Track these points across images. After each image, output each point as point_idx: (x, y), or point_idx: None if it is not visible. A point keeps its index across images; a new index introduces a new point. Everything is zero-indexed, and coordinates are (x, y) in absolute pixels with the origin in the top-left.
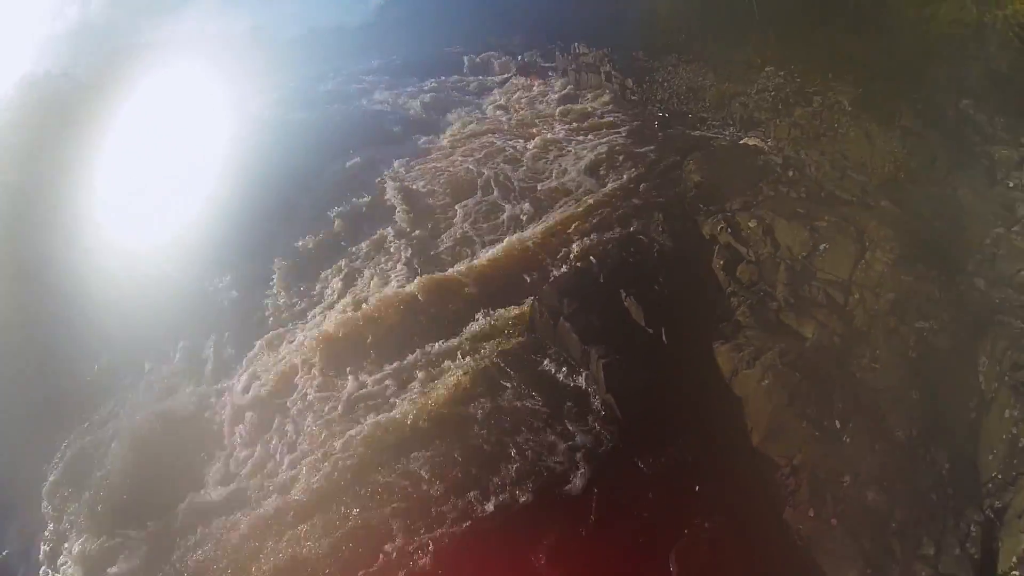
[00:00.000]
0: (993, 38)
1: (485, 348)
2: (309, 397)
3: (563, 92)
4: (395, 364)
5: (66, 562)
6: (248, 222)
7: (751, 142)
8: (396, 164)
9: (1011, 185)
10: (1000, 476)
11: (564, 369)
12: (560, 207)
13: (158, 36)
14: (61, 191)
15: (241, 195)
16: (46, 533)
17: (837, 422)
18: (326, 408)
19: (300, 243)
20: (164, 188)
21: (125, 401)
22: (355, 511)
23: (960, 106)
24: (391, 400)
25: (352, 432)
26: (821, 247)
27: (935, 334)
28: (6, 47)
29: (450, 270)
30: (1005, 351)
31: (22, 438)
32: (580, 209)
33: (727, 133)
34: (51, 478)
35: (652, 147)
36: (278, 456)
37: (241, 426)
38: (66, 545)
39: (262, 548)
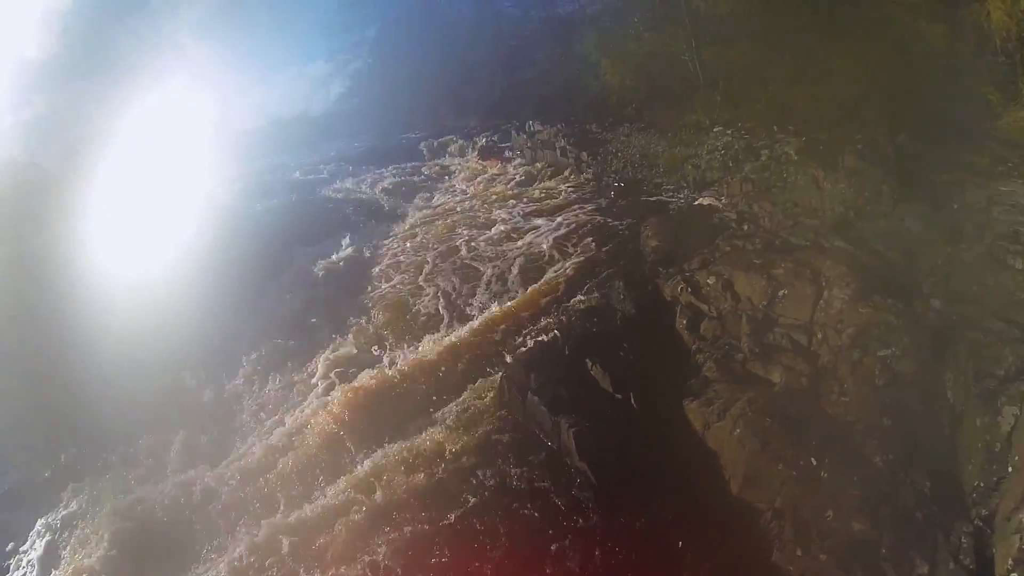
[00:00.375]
0: (919, 73)
1: (457, 429)
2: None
3: (521, 170)
4: (367, 451)
5: None
6: (215, 312)
7: (706, 201)
8: (359, 251)
9: (956, 207)
10: (982, 484)
11: (536, 442)
12: (523, 284)
13: (123, 125)
14: (23, 280)
15: (208, 284)
16: None
17: (813, 459)
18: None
19: (267, 334)
20: (132, 277)
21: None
22: None
23: (898, 141)
24: (369, 480)
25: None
26: (780, 294)
27: (899, 360)
28: None
29: (418, 353)
30: (967, 363)
31: None
32: (542, 285)
33: (682, 195)
34: None
35: (610, 217)
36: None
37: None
38: None
39: None
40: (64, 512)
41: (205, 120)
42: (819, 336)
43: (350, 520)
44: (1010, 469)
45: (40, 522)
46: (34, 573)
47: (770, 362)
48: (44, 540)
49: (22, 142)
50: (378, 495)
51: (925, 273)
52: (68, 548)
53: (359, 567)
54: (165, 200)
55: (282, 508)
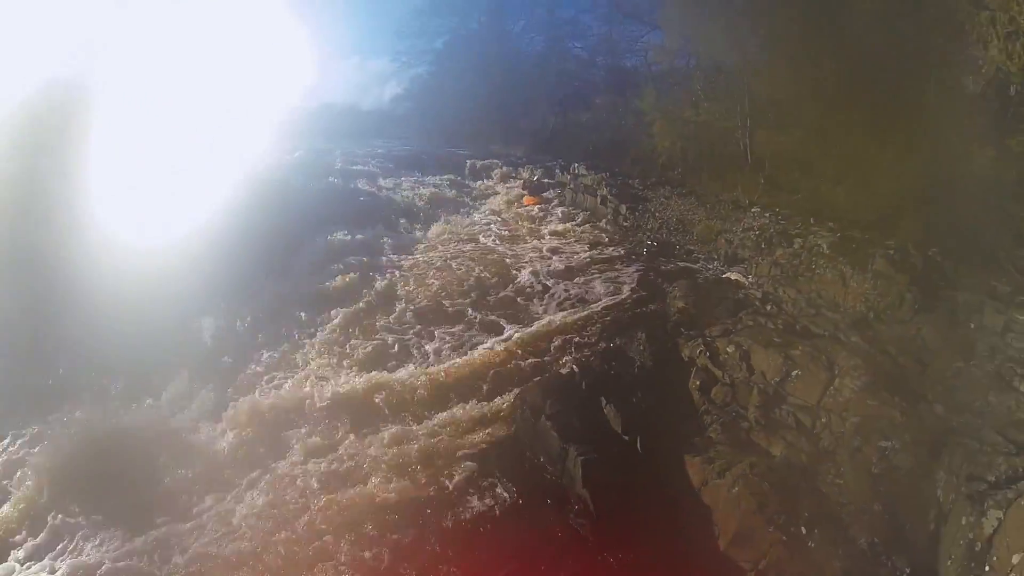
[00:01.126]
0: (961, 194)
1: (464, 438)
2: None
3: (559, 209)
4: (373, 442)
5: None
6: (238, 271)
7: (733, 276)
8: (390, 251)
9: (972, 327)
10: None
11: (542, 464)
12: (547, 318)
13: (179, 72)
14: (61, 196)
15: (236, 245)
16: None
17: (803, 529)
18: (297, 479)
19: (285, 304)
20: (161, 221)
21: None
22: None
23: (928, 254)
24: (366, 473)
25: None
26: (793, 373)
27: (897, 453)
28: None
29: (434, 365)
30: (961, 465)
31: None
32: (566, 321)
33: (711, 266)
34: None
35: (640, 271)
36: (244, 510)
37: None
38: None
39: None
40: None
41: (262, 87)
42: (824, 420)
43: (335, 512)
44: (987, 568)
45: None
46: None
47: (774, 435)
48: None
49: (72, 63)
50: (370, 484)
51: (933, 381)
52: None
53: (339, 563)
54: (209, 155)
55: (263, 482)
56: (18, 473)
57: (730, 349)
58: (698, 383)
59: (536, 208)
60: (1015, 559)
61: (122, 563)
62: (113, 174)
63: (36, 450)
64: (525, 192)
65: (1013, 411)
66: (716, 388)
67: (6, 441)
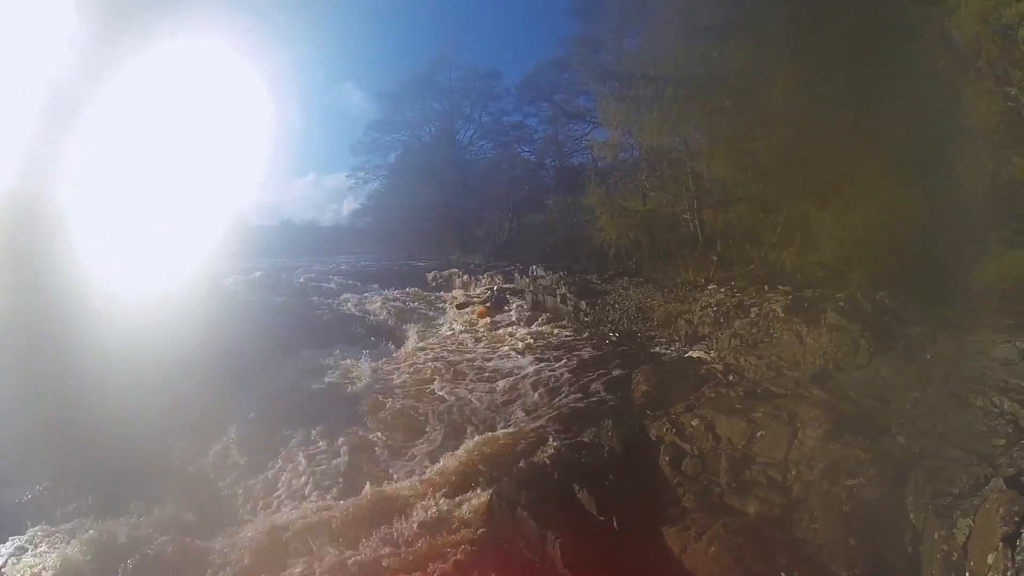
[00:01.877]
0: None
1: (445, 537)
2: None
3: (521, 312)
4: (355, 555)
5: None
6: (209, 391)
7: (696, 354)
8: (359, 367)
9: (927, 357)
10: None
11: (520, 553)
12: (516, 417)
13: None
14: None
15: (199, 362)
16: None
17: (783, 574)
18: None
19: (256, 422)
20: (130, 339)
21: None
22: None
23: (877, 298)
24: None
25: None
26: (758, 435)
27: (864, 487)
28: None
29: (405, 478)
30: (926, 484)
31: None
32: (536, 421)
33: (673, 348)
34: None
35: (603, 363)
36: None
37: None
38: None
39: None
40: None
41: (217, 205)
42: (793, 472)
43: None
44: (967, 574)
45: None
46: None
47: (746, 495)
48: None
49: (28, 172)
50: None
51: (894, 415)
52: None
53: None
54: (176, 270)
55: None
56: None
57: (695, 423)
58: (668, 458)
59: (488, 319)
60: (990, 559)
61: None
62: (69, 285)
63: None
64: (480, 304)
65: (971, 425)
66: (686, 461)
67: None
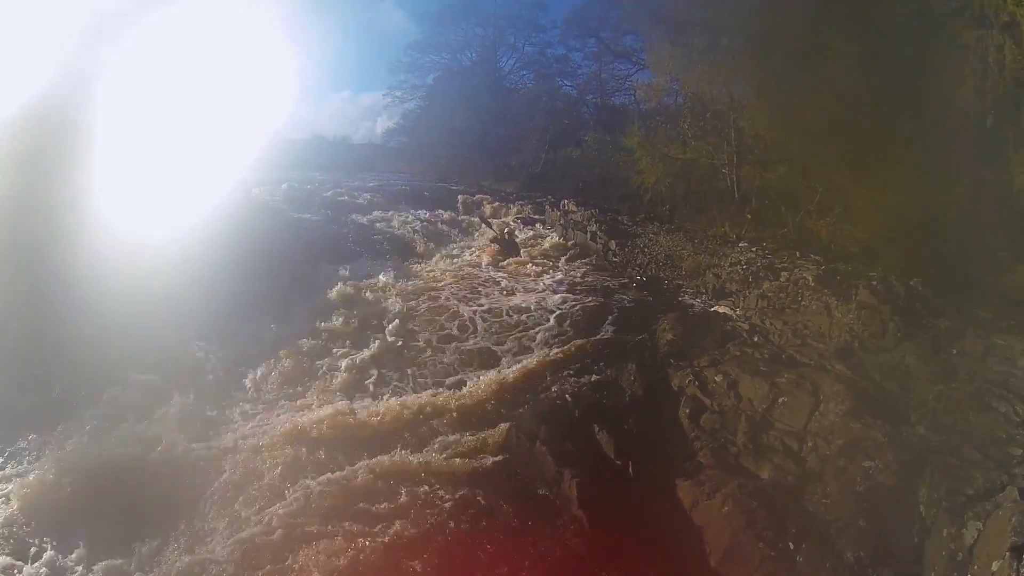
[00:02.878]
0: (942, 224)
1: (460, 464)
2: (272, 482)
3: (550, 244)
4: (368, 469)
5: None
6: (232, 297)
7: (721, 309)
8: (385, 283)
9: (954, 352)
10: None
11: (534, 489)
12: (539, 350)
13: (173, 101)
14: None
15: (227, 270)
16: None
17: (791, 544)
18: (290, 497)
19: (281, 333)
20: (153, 244)
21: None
22: None
23: (911, 284)
24: (359, 505)
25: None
26: (780, 400)
27: (880, 471)
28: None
29: (426, 394)
30: (942, 481)
31: None
32: (559, 354)
33: (699, 300)
34: None
35: (630, 306)
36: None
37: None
38: None
39: None
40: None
41: (252, 117)
42: (810, 444)
43: (320, 527)
44: None
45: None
46: None
47: (761, 459)
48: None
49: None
50: (360, 506)
51: (916, 405)
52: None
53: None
54: (203, 181)
55: (254, 504)
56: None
57: (718, 378)
58: (688, 411)
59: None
60: (995, 566)
61: None
62: (98, 194)
63: (22, 471)
64: (493, 244)
65: (992, 429)
66: (705, 416)
67: None
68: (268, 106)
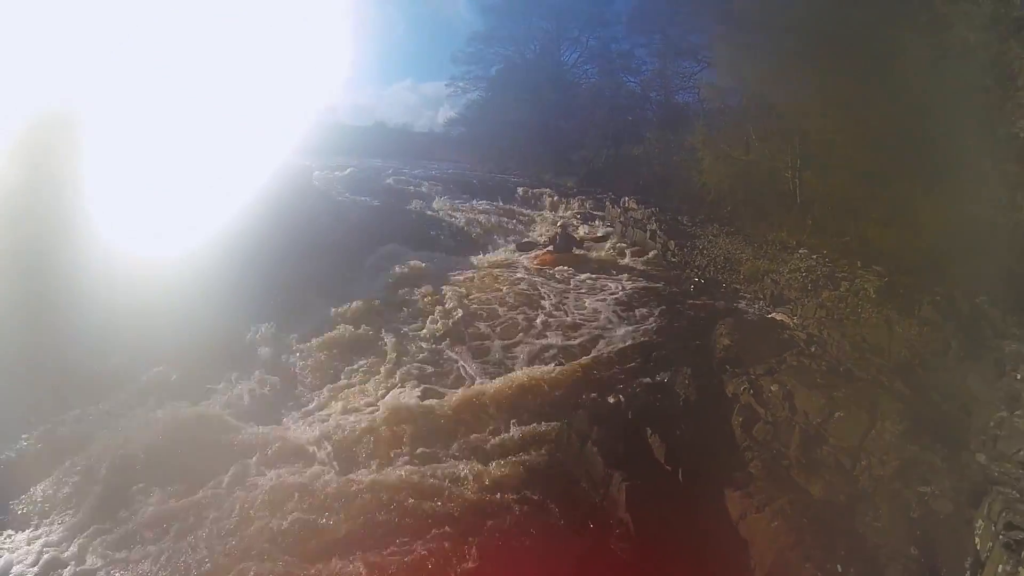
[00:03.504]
0: (1011, 241)
1: (509, 458)
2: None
3: (609, 242)
4: (420, 459)
5: None
6: (289, 279)
7: (779, 317)
8: (443, 272)
9: (1019, 377)
10: None
11: (585, 488)
12: (595, 348)
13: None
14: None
15: (286, 252)
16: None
17: (839, 566)
18: (351, 487)
19: (336, 316)
20: (207, 226)
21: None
22: None
23: (976, 302)
24: (406, 500)
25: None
26: (835, 415)
27: (936, 499)
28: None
29: (478, 385)
30: (1000, 514)
31: None
32: (613, 353)
33: (757, 306)
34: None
35: (687, 307)
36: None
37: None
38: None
39: None
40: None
41: (313, 104)
42: (864, 463)
43: (369, 516)
44: None
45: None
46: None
47: (813, 475)
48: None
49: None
50: (407, 500)
51: (976, 430)
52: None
53: (367, 565)
54: (265, 166)
55: (297, 494)
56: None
57: (774, 388)
58: (741, 419)
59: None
60: None
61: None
62: (156, 179)
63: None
64: (547, 249)
65: None
66: (758, 425)
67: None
68: (330, 93)
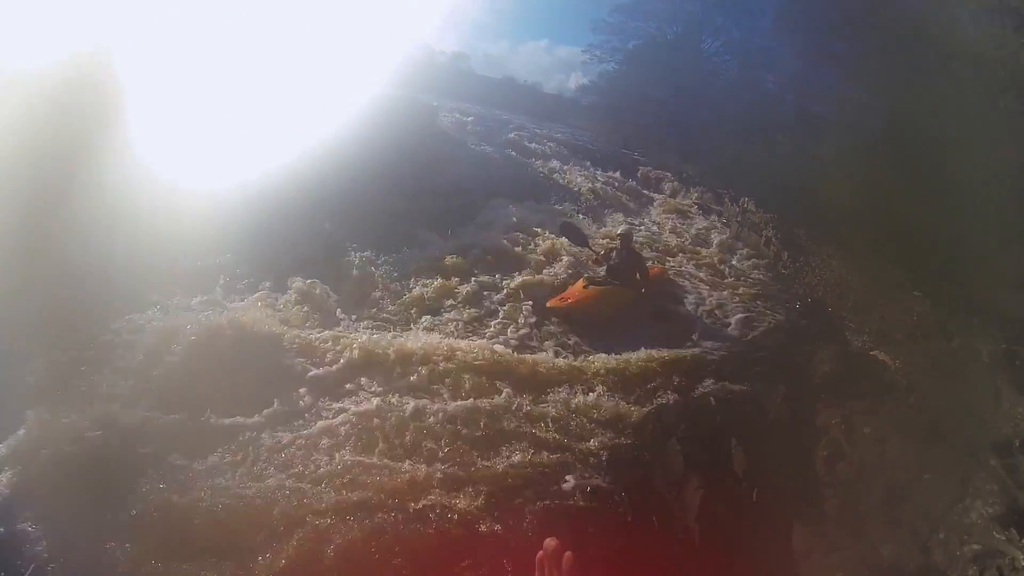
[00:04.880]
0: None
1: (593, 431)
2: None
3: (721, 239)
4: (505, 408)
5: None
6: (399, 216)
7: (881, 356)
8: (552, 232)
9: None
10: None
11: (658, 485)
12: (692, 344)
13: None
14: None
15: (404, 189)
16: None
17: None
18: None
19: (438, 256)
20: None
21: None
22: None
23: None
24: (487, 440)
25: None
26: (924, 477)
27: None
28: None
29: (570, 357)
30: None
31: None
32: (708, 353)
33: (860, 339)
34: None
35: (789, 324)
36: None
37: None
38: None
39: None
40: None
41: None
42: (943, 536)
43: (432, 469)
44: None
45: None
46: None
47: (888, 532)
48: None
49: None
50: (478, 463)
51: None
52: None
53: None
54: (389, 102)
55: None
56: None
57: (867, 430)
58: (826, 454)
59: (698, 227)
60: None
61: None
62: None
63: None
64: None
65: None
66: (843, 464)
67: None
68: (462, 38)
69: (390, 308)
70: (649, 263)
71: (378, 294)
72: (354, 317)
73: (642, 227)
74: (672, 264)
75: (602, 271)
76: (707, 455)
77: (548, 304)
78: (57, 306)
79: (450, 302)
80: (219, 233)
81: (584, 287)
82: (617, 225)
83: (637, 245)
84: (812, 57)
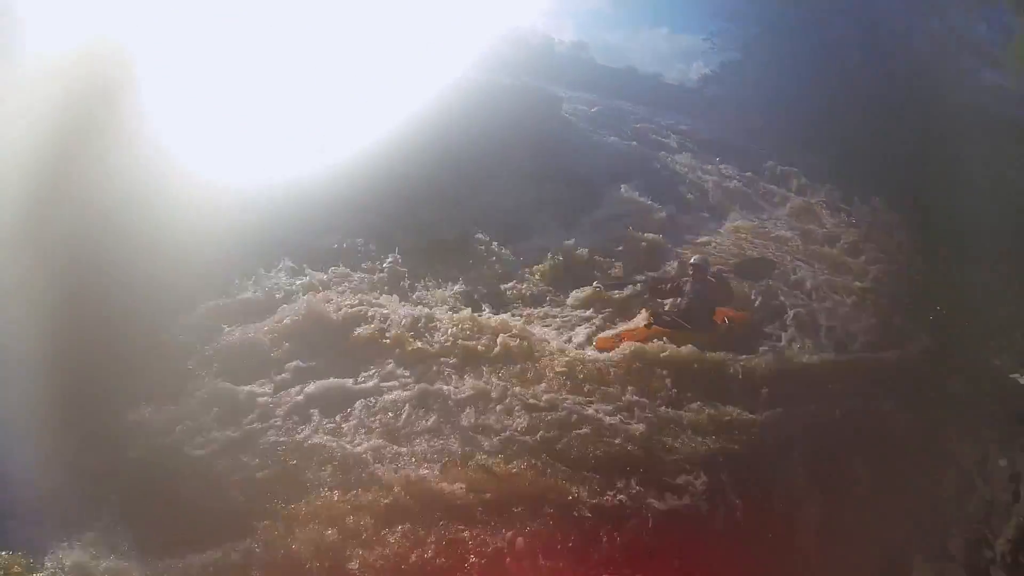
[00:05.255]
0: None
1: (708, 429)
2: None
3: (850, 240)
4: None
5: None
6: (520, 200)
7: (1022, 380)
8: (677, 228)
9: None
10: None
11: (774, 497)
12: (814, 350)
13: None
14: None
15: (524, 174)
16: None
17: None
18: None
19: (557, 245)
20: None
21: None
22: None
23: None
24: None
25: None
26: None
27: None
28: None
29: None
30: None
31: None
32: (834, 364)
33: (1000, 361)
34: None
35: (920, 338)
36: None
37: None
38: None
39: None
40: None
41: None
42: None
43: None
44: None
45: None
46: None
47: None
48: None
49: None
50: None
51: None
52: None
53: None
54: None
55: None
56: None
57: (1002, 463)
58: (955, 487)
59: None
60: None
61: None
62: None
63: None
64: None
65: None
66: (972, 498)
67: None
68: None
69: (511, 295)
70: (729, 307)
71: (505, 283)
72: (487, 307)
73: (776, 228)
74: (798, 264)
75: (667, 304)
76: (831, 472)
77: (598, 339)
78: (118, 307)
79: (569, 299)
80: (353, 218)
81: (647, 326)
82: (742, 221)
83: (725, 270)
84: (948, 42)
